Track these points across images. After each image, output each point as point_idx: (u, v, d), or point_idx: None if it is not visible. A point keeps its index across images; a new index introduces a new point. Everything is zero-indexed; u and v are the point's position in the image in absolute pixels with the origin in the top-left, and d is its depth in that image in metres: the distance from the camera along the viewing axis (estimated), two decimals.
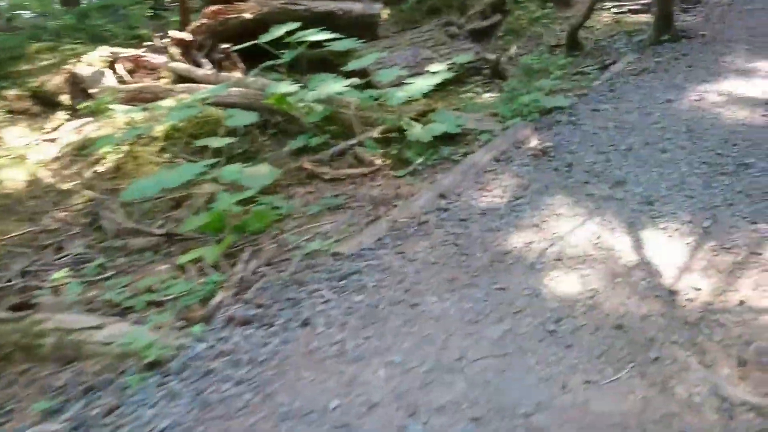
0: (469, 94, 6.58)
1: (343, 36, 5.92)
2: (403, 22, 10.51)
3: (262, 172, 4.25)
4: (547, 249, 3.09)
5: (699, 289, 2.76)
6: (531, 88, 5.29)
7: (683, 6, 7.41)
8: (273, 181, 4.61)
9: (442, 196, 3.65)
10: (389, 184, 4.41)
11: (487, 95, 6.47)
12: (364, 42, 7.14)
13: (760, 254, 3.03)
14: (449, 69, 6.54)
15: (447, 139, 4.84)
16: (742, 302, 2.69)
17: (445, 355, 2.35)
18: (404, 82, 5.16)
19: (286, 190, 4.69)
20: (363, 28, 7.29)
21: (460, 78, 7.01)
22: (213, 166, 5.36)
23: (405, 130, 4.84)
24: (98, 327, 2.59)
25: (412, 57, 6.67)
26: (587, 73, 6.33)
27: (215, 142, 4.46)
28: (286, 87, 4.95)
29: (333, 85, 4.82)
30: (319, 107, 5.10)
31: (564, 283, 2.82)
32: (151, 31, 9.11)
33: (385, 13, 10.92)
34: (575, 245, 3.13)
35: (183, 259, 3.54)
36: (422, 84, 4.85)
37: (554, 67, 6.41)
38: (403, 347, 2.39)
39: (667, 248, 3.10)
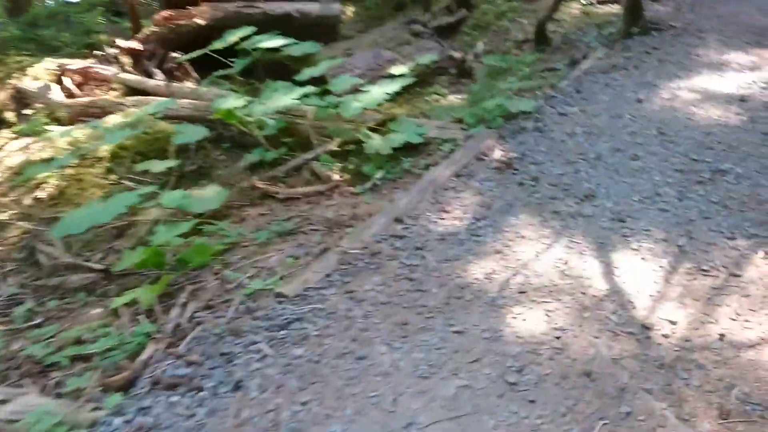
0: (435, 96, 6.29)
1: (300, 40, 5.62)
2: (368, 20, 10.18)
3: (209, 195, 3.94)
4: (509, 280, 2.83)
5: (675, 323, 2.52)
6: (495, 90, 5.02)
7: None
8: (225, 201, 4.35)
9: (398, 220, 3.37)
10: (346, 202, 4.12)
11: (453, 96, 6.19)
12: (324, 44, 6.83)
13: (739, 276, 2.80)
14: (413, 70, 6.27)
15: (409, 149, 4.56)
16: (722, 336, 2.45)
17: (393, 421, 2.07)
18: (361, 89, 4.86)
19: (237, 212, 4.38)
20: (323, 29, 6.97)
21: (425, 78, 6.72)
22: (163, 186, 5.06)
23: (363, 143, 4.54)
24: (2, 402, 2.28)
25: (374, 59, 6.36)
26: (556, 69, 6.06)
27: (157, 166, 4.13)
28: (234, 101, 4.62)
29: (284, 98, 4.50)
30: (271, 121, 4.78)
31: (528, 321, 2.56)
32: (105, 39, 8.69)
33: (350, 10, 10.59)
34: (540, 274, 2.86)
35: (117, 302, 3.22)
36: (379, 93, 4.56)
37: (521, 64, 6.14)
38: (346, 414, 2.11)
39: (640, 273, 2.85)
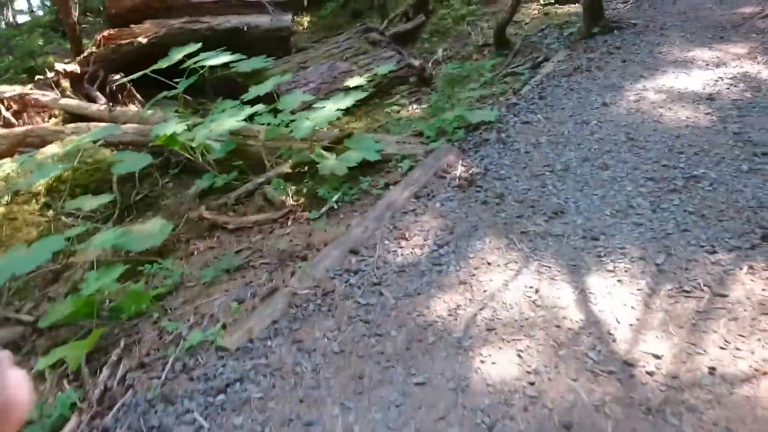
0: (395, 107, 6.03)
1: (251, 54, 5.32)
2: (324, 29, 9.91)
3: (151, 231, 3.60)
4: (476, 315, 2.55)
5: (660, 357, 2.27)
6: (456, 100, 4.77)
7: None
8: (172, 235, 4.02)
9: (353, 251, 3.07)
10: (301, 230, 3.81)
11: (414, 106, 5.93)
12: (276, 58, 6.53)
13: (725, 296, 2.57)
14: (370, 81, 6.00)
15: (366, 167, 4.28)
16: (712, 370, 2.20)
17: None
18: (314, 106, 4.57)
19: (185, 247, 4.05)
20: (274, 42, 6.66)
21: (384, 89, 6.47)
22: (106, 219, 4.70)
23: (317, 163, 4.24)
24: None
25: (329, 72, 6.08)
26: (519, 73, 5.85)
27: (89, 202, 3.79)
28: (175, 125, 4.28)
29: (230, 120, 4.18)
30: (218, 145, 4.46)
31: (498, 365, 2.28)
32: (47, 62, 8.25)
33: (305, 20, 10.31)
34: (510, 306, 2.60)
35: (42, 363, 2.86)
36: (332, 109, 4.27)
37: (482, 69, 5.92)
38: None
39: (618, 298, 2.61)
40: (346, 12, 9.93)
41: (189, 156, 4.53)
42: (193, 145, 4.23)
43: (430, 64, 7.01)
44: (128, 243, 3.49)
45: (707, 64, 4.91)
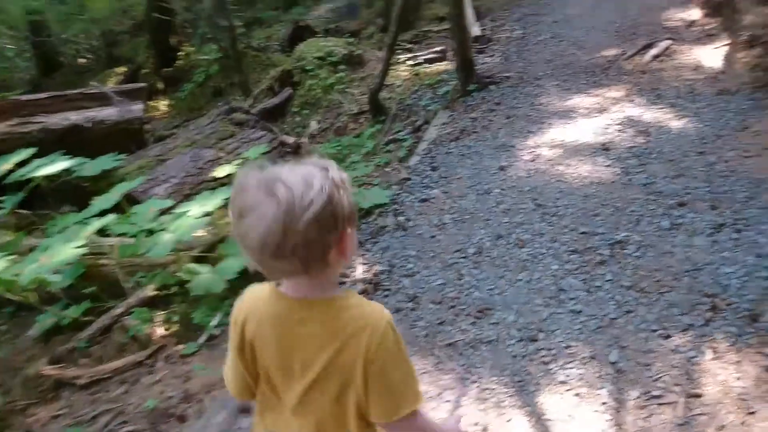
0: None
1: (97, 154, 4.53)
2: (185, 112, 9.18)
3: None
4: None
5: None
6: None
7: (477, 47, 6.94)
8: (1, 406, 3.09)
9: (245, 410, 2.37)
10: (175, 373, 3.05)
11: None
12: (129, 154, 5.71)
13: (700, 395, 2.14)
14: (241, 167, 5.36)
15: (251, 277, 3.59)
16: None
17: None
18: (175, 210, 3.85)
19: (21, 418, 3.12)
20: (125, 136, 5.85)
21: None
22: None
23: (187, 281, 3.50)
24: None
25: (192, 162, 5.36)
26: (400, 140, 5.47)
27: None
28: None
29: (66, 248, 3.36)
30: (56, 277, 3.58)
31: None
32: None
33: (162, 105, 9.53)
34: None
35: None
36: (196, 214, 3.57)
37: (362, 140, 5.50)
38: None
39: (583, 419, 2.11)
40: (206, 91, 9.28)
41: (20, 298, 3.61)
42: (22, 285, 3.34)
43: (305, 139, 6.50)
44: None
45: (590, 111, 4.77)
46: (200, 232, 4.02)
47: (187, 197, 4.85)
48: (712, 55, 5.30)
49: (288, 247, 0.98)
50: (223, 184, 4.85)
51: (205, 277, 3.48)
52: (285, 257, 0.99)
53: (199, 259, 3.74)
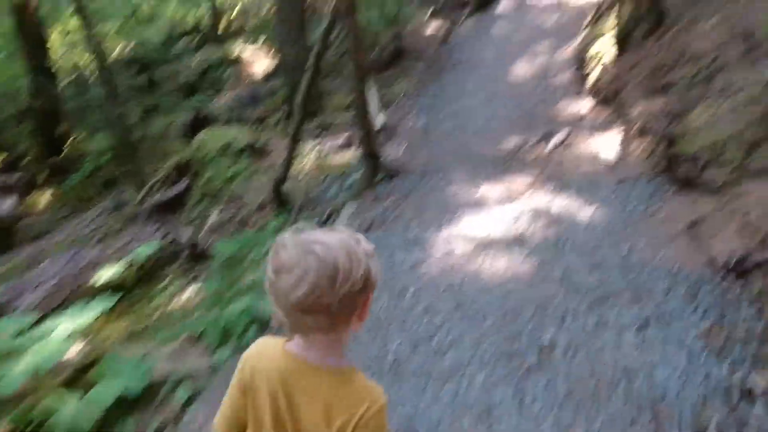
0: (166, 294, 4.87)
1: None
2: (72, 204, 8.44)
3: None
4: None
5: None
6: (241, 285, 3.83)
7: (382, 137, 6.89)
8: None
9: None
10: None
11: (190, 289, 4.83)
12: None
13: None
14: (128, 269, 4.81)
15: (130, 404, 3.05)
16: None
17: None
18: (40, 326, 3.26)
19: None
20: None
21: (151, 272, 5.29)
22: None
23: (50, 416, 2.90)
24: None
25: (72, 264, 4.76)
26: None
27: None
28: None
29: None
30: None
31: None
32: None
33: (45, 197, 8.74)
34: None
35: None
36: (64, 332, 3.03)
37: (265, 235, 5.12)
38: None
39: None
40: (96, 181, 8.63)
41: None
42: None
43: (203, 233, 6.04)
44: None
45: (500, 201, 4.70)
46: (72, 351, 3.44)
47: (63, 304, 4.24)
48: (608, 144, 5.46)
49: (323, 305, 1.08)
50: (104, 289, 4.32)
51: (72, 408, 2.91)
52: (316, 313, 1.08)
53: (68, 384, 3.16)
